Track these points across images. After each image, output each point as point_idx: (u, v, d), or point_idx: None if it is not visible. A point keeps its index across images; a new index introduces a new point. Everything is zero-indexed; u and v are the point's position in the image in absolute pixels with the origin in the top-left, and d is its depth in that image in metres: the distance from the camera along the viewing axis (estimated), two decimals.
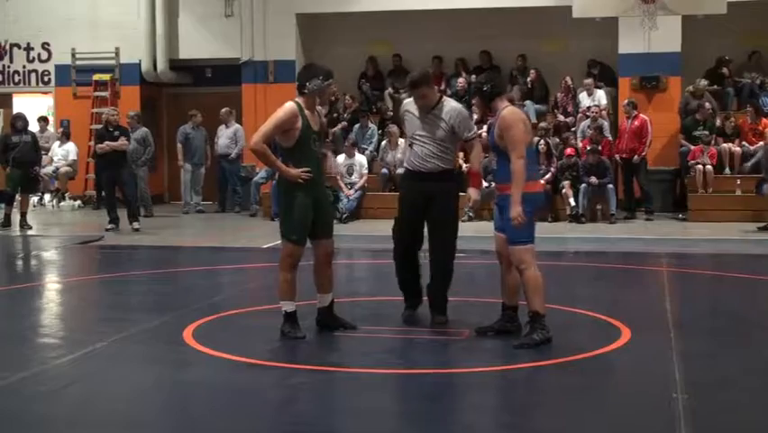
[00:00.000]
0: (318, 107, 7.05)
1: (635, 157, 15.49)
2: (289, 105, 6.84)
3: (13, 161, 14.53)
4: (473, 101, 7.19)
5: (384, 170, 16.21)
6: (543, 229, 13.76)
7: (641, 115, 15.79)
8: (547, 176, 15.32)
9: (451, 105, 7.23)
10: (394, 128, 15.94)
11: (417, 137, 7.17)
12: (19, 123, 14.90)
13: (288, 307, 6.84)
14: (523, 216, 6.50)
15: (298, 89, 6.95)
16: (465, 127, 7.20)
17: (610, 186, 15.29)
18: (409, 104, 7.33)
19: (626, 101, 16.00)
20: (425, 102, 7.14)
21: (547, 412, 5.42)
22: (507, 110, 6.69)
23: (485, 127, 6.99)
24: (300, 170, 6.76)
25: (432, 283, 7.29)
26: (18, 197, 14.80)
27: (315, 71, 6.97)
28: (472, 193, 7.26)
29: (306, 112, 6.85)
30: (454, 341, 6.87)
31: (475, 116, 15.11)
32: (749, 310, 8.37)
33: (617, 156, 15.78)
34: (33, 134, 15.34)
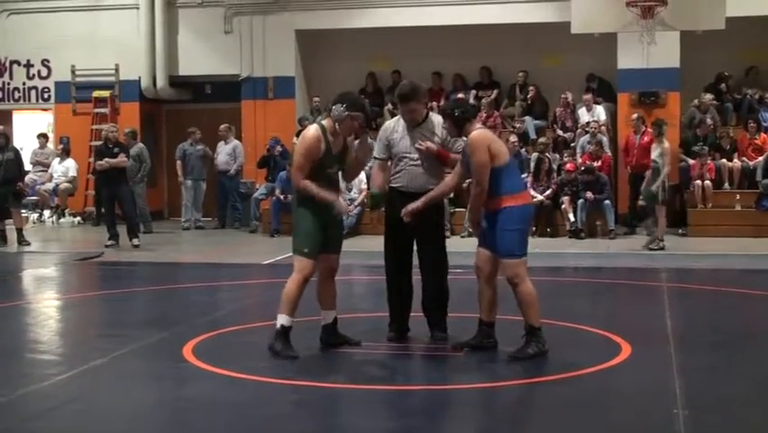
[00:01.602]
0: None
1: (647, 172, 15.44)
2: (313, 131, 6.76)
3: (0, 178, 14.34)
4: (444, 125, 7.02)
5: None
6: (542, 244, 13.86)
7: (649, 130, 15.78)
8: (548, 192, 15.35)
9: (439, 118, 7.09)
10: None
11: (406, 155, 7.05)
12: (1, 139, 14.63)
13: (283, 320, 6.75)
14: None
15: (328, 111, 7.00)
16: (454, 140, 7.08)
17: (607, 202, 15.29)
18: (391, 127, 7.16)
19: (635, 116, 16.02)
20: (413, 117, 6.99)
21: (545, 429, 5.40)
22: (474, 134, 6.71)
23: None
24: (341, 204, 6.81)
25: (427, 301, 7.24)
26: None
27: (343, 98, 6.87)
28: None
29: (329, 134, 6.78)
30: (453, 357, 6.86)
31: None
32: (750, 325, 8.37)
33: (628, 170, 15.78)
34: (16, 150, 15.15)
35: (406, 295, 7.24)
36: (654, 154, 13.42)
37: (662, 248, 13.36)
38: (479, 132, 6.76)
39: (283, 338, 6.76)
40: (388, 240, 7.16)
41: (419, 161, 7.01)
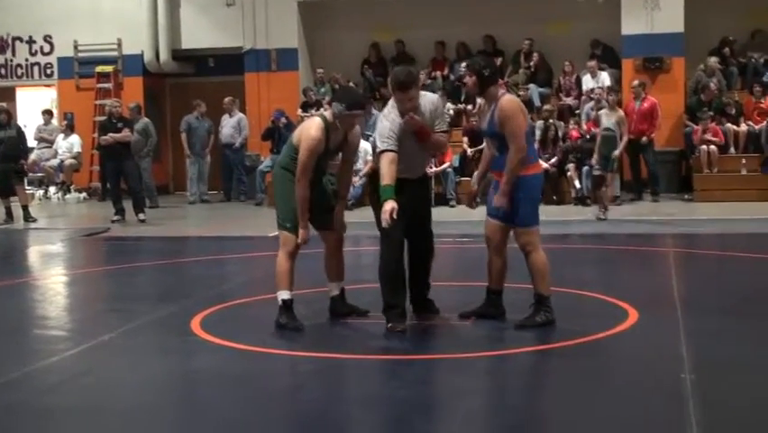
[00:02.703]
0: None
1: (644, 138, 15.45)
2: (318, 130, 6.68)
3: (1, 156, 14.34)
4: (467, 80, 6.77)
5: None
6: (548, 212, 13.83)
7: (650, 96, 15.74)
8: (553, 160, 15.31)
9: (426, 97, 6.82)
10: None
11: (404, 142, 6.57)
12: (2, 116, 14.58)
13: (283, 295, 6.80)
14: (509, 204, 6.52)
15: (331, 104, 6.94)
16: (440, 117, 6.89)
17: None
18: (389, 116, 6.58)
19: (636, 82, 15.93)
20: (414, 104, 6.56)
21: (553, 395, 5.43)
22: (505, 99, 6.60)
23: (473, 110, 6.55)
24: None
25: (422, 278, 7.06)
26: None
27: (343, 96, 6.90)
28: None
29: (331, 128, 6.75)
30: (462, 326, 6.87)
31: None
32: (757, 290, 8.36)
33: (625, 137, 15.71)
34: (18, 127, 15.09)
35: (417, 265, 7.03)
36: (611, 122, 13.25)
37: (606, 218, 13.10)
38: (510, 97, 6.67)
39: (287, 312, 6.80)
40: (394, 228, 6.48)
41: (411, 147, 6.63)
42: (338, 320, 7.06)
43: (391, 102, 6.68)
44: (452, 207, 15.26)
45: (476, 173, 7.11)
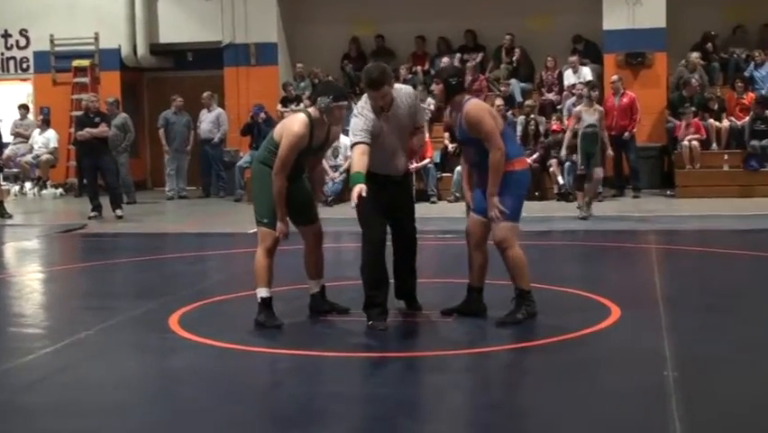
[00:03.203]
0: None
1: (626, 134, 15.48)
2: (302, 125, 6.62)
3: None
4: (434, 87, 6.86)
5: None
6: (530, 209, 13.85)
7: (628, 92, 15.79)
8: (535, 156, 15.33)
9: (402, 90, 6.78)
10: None
11: (382, 139, 6.56)
12: None
13: (262, 292, 6.77)
14: (501, 206, 6.52)
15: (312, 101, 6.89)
16: (419, 111, 6.93)
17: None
18: (363, 111, 6.56)
19: (615, 77, 15.96)
20: (386, 101, 6.53)
21: (535, 392, 5.42)
22: (469, 104, 6.64)
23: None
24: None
25: (407, 276, 7.06)
26: None
27: (326, 89, 6.89)
28: None
29: (316, 125, 6.70)
30: (443, 323, 6.87)
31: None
32: (738, 286, 8.41)
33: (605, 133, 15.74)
34: None
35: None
36: (593, 119, 13.17)
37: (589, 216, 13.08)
38: (473, 102, 6.70)
39: (266, 309, 6.78)
40: (369, 222, 6.66)
41: (398, 141, 6.67)
42: (318, 318, 7.04)
43: (365, 97, 6.65)
44: (434, 203, 15.26)
45: (464, 186, 7.13)
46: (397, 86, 6.75)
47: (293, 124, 6.70)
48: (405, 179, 7.04)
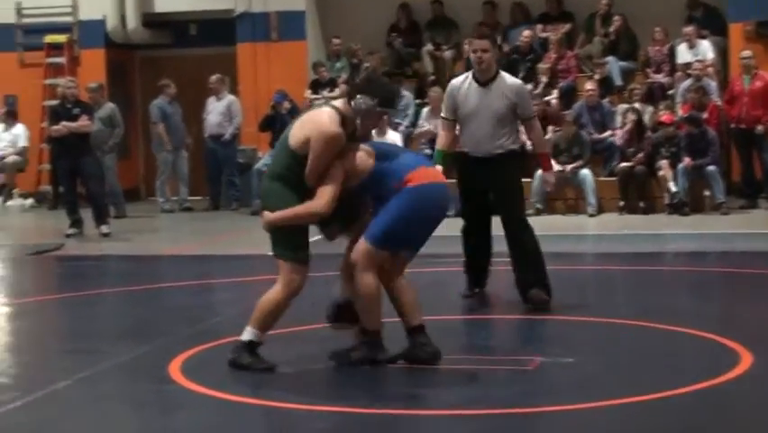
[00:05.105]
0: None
1: (758, 127, 15.35)
2: (331, 118, 6.60)
3: None
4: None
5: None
6: (633, 225, 13.79)
7: (761, 72, 15.64)
8: (639, 155, 15.24)
9: (513, 79, 8.65)
10: (437, 92, 15.70)
11: (473, 117, 8.48)
12: None
13: (255, 336, 6.84)
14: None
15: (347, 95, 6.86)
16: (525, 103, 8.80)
17: (711, 168, 15.02)
18: (457, 85, 8.62)
19: (745, 53, 15.82)
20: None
21: None
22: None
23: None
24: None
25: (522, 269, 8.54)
26: None
27: (375, 88, 6.79)
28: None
29: (347, 124, 6.65)
30: (522, 372, 6.86)
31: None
32: None
33: (732, 125, 15.66)
34: None
35: (483, 255, 8.89)
36: None
37: None
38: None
39: (250, 351, 6.84)
40: (463, 207, 8.82)
41: (486, 124, 8.40)
42: (333, 361, 7.05)
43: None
44: None
45: None
46: (507, 76, 8.63)
47: (320, 120, 6.63)
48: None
